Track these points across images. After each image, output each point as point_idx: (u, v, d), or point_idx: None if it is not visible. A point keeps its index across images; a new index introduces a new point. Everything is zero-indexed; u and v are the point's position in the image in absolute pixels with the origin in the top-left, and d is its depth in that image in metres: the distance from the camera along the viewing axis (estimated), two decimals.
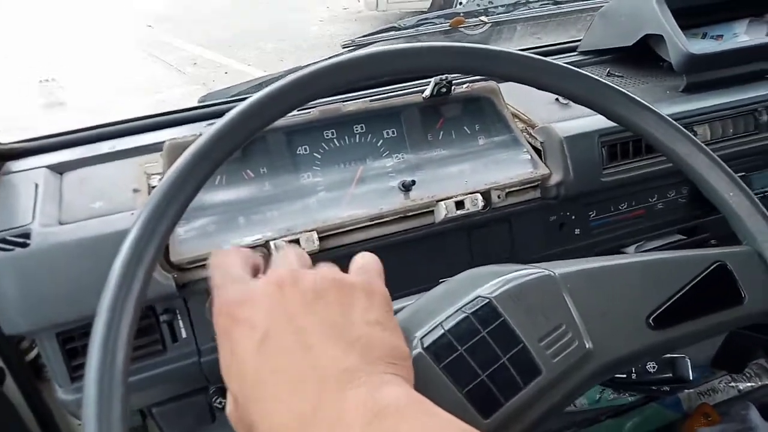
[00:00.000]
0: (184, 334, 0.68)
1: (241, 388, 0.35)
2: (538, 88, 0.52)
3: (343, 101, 0.78)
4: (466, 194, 0.74)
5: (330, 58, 0.47)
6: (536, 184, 0.80)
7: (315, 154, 0.76)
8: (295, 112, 0.76)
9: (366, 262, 0.43)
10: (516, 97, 0.87)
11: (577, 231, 0.87)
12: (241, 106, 0.45)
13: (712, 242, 0.99)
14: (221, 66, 5.69)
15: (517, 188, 0.79)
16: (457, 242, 0.80)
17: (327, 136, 0.77)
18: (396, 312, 0.52)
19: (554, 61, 0.51)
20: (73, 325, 0.64)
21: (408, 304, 0.53)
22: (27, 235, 0.61)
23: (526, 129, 0.84)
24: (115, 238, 0.62)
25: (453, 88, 0.80)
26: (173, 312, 0.67)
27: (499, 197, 0.77)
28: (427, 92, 0.79)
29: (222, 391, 0.81)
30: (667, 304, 0.50)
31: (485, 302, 0.47)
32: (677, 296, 0.50)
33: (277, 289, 0.36)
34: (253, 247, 0.67)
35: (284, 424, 0.32)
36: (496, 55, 0.50)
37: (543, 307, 0.48)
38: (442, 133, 0.81)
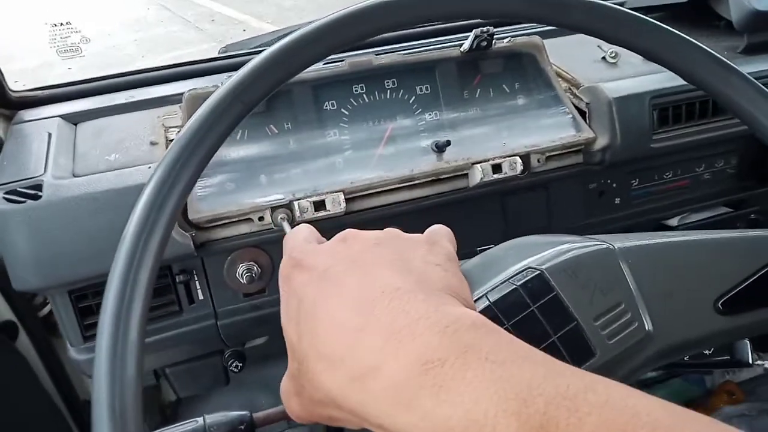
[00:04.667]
0: (200, 296, 0.65)
1: (297, 330, 0.32)
2: (614, 43, 0.45)
3: (376, 54, 0.72)
4: (504, 157, 0.69)
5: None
6: (579, 148, 0.74)
7: (343, 110, 0.70)
8: (322, 65, 0.71)
9: (436, 229, 0.41)
10: (559, 54, 0.80)
11: (617, 200, 0.82)
12: (262, 55, 0.40)
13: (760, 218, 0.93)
14: (239, 23, 5.58)
15: (559, 152, 0.73)
16: (490, 208, 0.75)
17: (356, 90, 0.71)
18: None
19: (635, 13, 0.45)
20: (86, 283, 0.60)
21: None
22: (39, 187, 0.57)
23: (570, 89, 0.78)
24: (131, 191, 0.58)
25: (494, 42, 0.74)
26: (190, 272, 0.63)
27: (539, 161, 0.72)
28: (466, 45, 0.73)
29: (238, 355, 0.78)
30: (740, 287, 0.45)
31: (536, 274, 0.43)
32: (751, 279, 0.45)
33: (340, 241, 0.36)
34: (275, 207, 0.62)
35: (336, 342, 0.28)
36: (565, 2, 0.44)
37: (600, 283, 0.43)
38: (479, 90, 0.75)
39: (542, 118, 0.75)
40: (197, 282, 0.64)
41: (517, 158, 0.69)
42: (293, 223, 0.62)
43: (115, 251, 0.33)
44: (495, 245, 0.50)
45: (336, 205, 0.63)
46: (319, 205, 0.63)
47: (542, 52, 0.77)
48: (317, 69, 0.70)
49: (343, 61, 0.71)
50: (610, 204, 0.82)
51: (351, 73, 0.71)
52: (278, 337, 0.77)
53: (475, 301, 0.41)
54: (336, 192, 0.63)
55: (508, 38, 0.76)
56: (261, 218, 0.62)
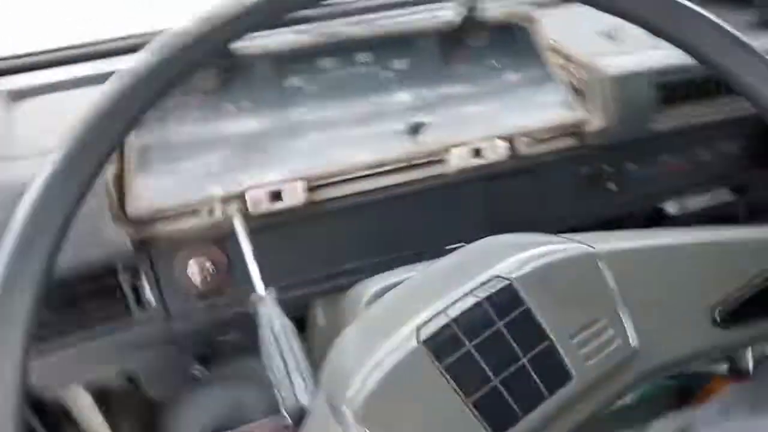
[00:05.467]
0: (151, 298, 0.59)
1: None
2: (605, 11, 0.38)
3: (346, 24, 0.65)
4: (485, 140, 0.62)
5: None
6: (573, 130, 0.67)
7: (308, 87, 0.64)
8: (287, 34, 0.64)
9: None
10: (555, 26, 0.73)
11: (611, 185, 0.75)
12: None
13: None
14: None
15: (549, 135, 0.66)
16: (471, 197, 0.68)
17: (323, 66, 0.64)
18: (393, 287, 0.42)
19: None
20: None
21: (407, 278, 0.43)
22: None
23: (565, 65, 0.70)
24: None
25: (480, 12, 0.66)
26: (136, 273, 0.57)
27: (526, 144, 0.65)
28: (449, 15, 0.66)
29: (202, 359, 0.74)
30: (740, 295, 0.39)
31: (504, 284, 0.37)
32: (753, 286, 0.39)
33: None
34: (226, 198, 0.56)
35: None
36: None
37: (578, 294, 0.37)
38: (463, 66, 0.68)
39: (532, 96, 0.69)
40: (145, 282, 0.58)
41: (499, 141, 0.62)
42: (246, 215, 0.56)
43: None
44: (467, 243, 0.44)
45: (294, 196, 0.57)
46: (276, 196, 0.56)
47: (535, 24, 0.70)
48: (280, 40, 0.63)
49: (308, 31, 0.63)
50: (604, 189, 0.75)
51: (317, 45, 0.64)
52: (248, 332, 0.70)
53: (433, 317, 0.35)
54: (294, 180, 0.57)
55: (498, 8, 0.68)
56: (211, 211, 0.56)
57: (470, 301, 0.36)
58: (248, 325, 0.60)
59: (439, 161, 0.63)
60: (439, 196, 0.66)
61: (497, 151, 0.62)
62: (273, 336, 0.42)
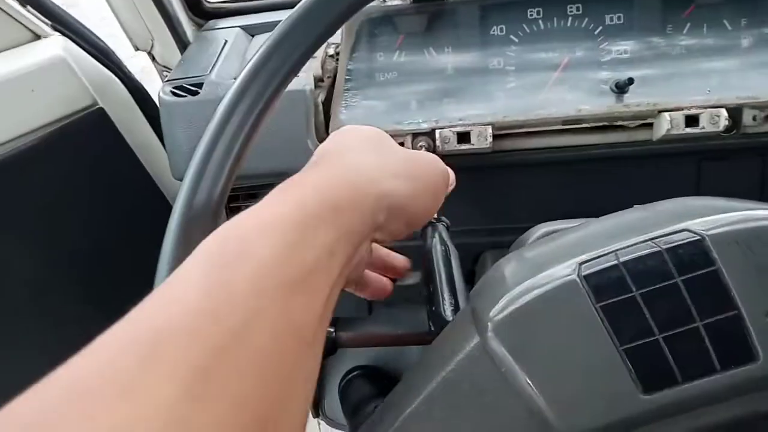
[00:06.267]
0: None
1: None
2: None
3: None
4: (705, 108, 0.55)
5: None
6: None
7: (512, 37, 0.62)
8: None
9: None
10: None
11: None
12: None
13: None
14: None
15: None
16: (679, 173, 0.61)
17: (531, 15, 0.62)
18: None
19: None
20: (236, 184, 0.63)
21: (583, 222, 0.40)
22: (200, 85, 0.61)
23: None
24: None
25: None
26: None
27: (754, 119, 0.56)
28: None
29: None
30: None
31: (694, 239, 0.32)
32: None
33: None
34: (416, 133, 0.58)
35: None
36: None
37: None
38: (689, 24, 0.61)
39: None
40: None
41: (722, 110, 0.54)
42: (434, 153, 0.57)
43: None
44: None
45: (482, 140, 0.57)
46: (463, 137, 0.57)
47: None
48: None
49: None
50: None
51: None
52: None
53: (601, 256, 0.33)
54: (484, 125, 0.57)
55: None
56: (402, 144, 0.59)
57: (648, 248, 0.32)
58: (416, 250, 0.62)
59: (647, 125, 0.57)
60: (638, 167, 0.60)
61: (716, 122, 0.55)
62: (436, 257, 0.42)
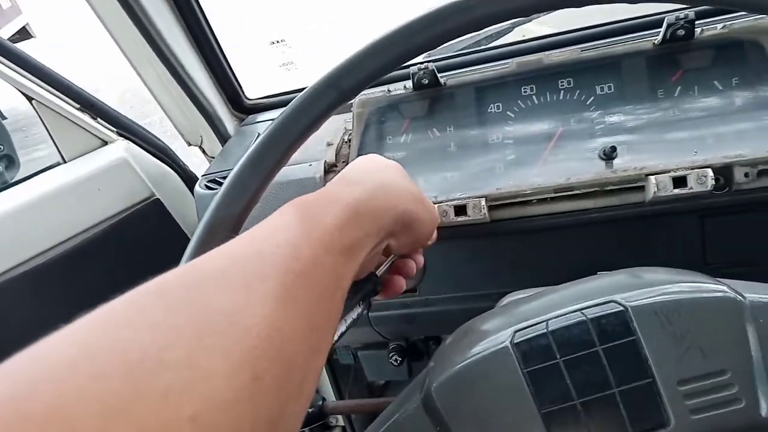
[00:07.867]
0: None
1: None
2: None
3: (547, 53, 0.67)
4: (691, 169, 0.57)
5: None
6: None
7: (508, 113, 0.67)
8: (489, 66, 0.69)
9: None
10: None
11: None
12: (363, 47, 0.42)
13: None
14: None
15: None
16: (682, 230, 0.63)
17: (525, 92, 0.67)
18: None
19: None
20: None
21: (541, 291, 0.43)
22: None
23: None
24: (293, 185, 0.67)
25: (698, 30, 0.61)
26: None
27: (746, 176, 0.57)
28: (659, 37, 0.62)
29: (400, 350, 0.82)
30: None
31: (617, 310, 0.36)
32: None
33: None
34: None
35: None
36: None
37: (703, 340, 0.34)
38: (679, 88, 0.63)
39: (758, 122, 0.60)
40: None
41: (709, 170, 0.56)
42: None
43: None
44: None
45: (477, 212, 0.61)
46: (460, 210, 0.62)
47: None
48: (482, 70, 0.68)
49: (511, 60, 0.67)
50: None
51: (519, 73, 0.67)
52: (430, 339, 0.78)
53: (532, 326, 0.37)
54: (478, 197, 0.61)
55: (722, 24, 0.62)
56: None
57: (575, 318, 0.36)
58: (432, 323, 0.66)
59: (638, 188, 0.60)
60: (638, 226, 0.62)
61: (704, 182, 0.56)
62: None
